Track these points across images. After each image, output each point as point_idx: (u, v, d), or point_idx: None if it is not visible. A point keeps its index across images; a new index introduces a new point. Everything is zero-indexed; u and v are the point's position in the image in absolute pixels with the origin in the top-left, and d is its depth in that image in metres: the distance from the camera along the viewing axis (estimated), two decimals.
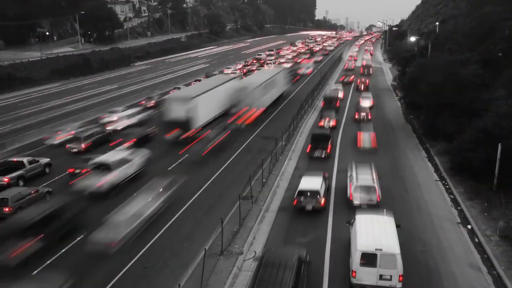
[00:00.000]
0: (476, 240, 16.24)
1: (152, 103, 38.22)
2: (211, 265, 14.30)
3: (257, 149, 26.46)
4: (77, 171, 21.24)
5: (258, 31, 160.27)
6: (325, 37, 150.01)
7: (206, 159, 24.39)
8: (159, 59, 79.46)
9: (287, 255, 12.67)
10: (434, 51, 34.35)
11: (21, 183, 21.19)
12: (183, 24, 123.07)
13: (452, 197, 20.07)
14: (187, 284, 13.40)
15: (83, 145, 25.56)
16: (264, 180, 21.30)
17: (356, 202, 18.04)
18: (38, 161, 22.79)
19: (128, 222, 15.57)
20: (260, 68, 57.71)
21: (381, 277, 12.55)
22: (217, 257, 14.90)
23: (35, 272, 14.18)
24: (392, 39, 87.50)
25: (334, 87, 45.36)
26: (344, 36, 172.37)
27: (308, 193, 17.86)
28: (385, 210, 15.62)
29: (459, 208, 18.93)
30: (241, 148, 27.07)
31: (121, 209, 16.28)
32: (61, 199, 16.98)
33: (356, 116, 33.97)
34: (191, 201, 19.48)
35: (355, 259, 12.70)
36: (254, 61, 70.37)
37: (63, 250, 15.42)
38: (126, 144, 25.54)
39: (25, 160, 22.27)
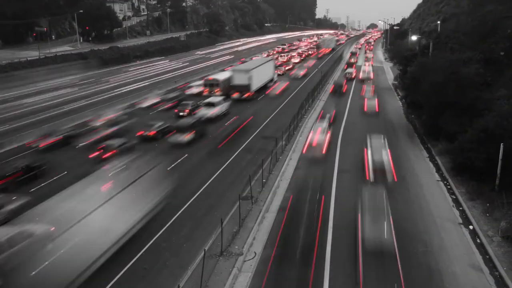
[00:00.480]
0: (478, 240, 16.13)
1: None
2: (210, 266, 14.22)
3: (257, 149, 26.36)
4: (181, 113, 33.65)
5: (258, 30, 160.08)
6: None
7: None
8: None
9: None
10: (435, 50, 34.21)
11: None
12: (183, 23, 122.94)
13: (454, 197, 19.95)
14: (187, 285, 13.31)
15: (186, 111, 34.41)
16: (264, 180, 21.19)
17: None
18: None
19: None
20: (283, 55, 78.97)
21: None
22: (217, 258, 14.81)
23: None
24: (393, 38, 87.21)
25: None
26: (352, 34, 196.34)
27: None
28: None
29: (460, 208, 18.81)
30: (241, 148, 26.97)
31: None
32: (192, 118, 30.27)
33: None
34: (190, 201, 19.38)
35: None
36: (276, 51, 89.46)
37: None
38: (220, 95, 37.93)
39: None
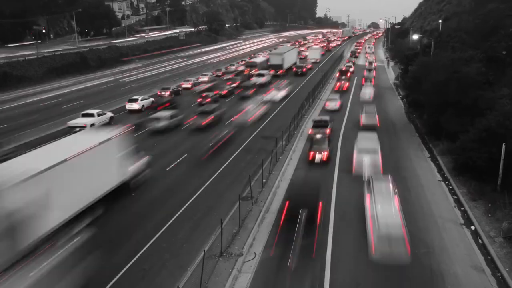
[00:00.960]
0: (480, 241, 16.00)
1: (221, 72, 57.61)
2: (210, 267, 14.12)
3: (257, 149, 26.26)
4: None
5: (258, 28, 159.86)
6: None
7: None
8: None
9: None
10: (437, 49, 34.02)
11: None
12: (182, 21, 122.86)
13: (456, 197, 19.82)
14: (186, 286, 13.22)
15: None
16: (264, 181, 21.08)
17: None
18: None
19: None
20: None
21: None
22: (217, 258, 14.71)
23: None
24: (394, 37, 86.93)
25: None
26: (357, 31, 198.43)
27: None
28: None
29: (462, 209, 18.68)
30: (241, 148, 26.87)
31: None
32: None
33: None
34: (190, 201, 19.30)
35: None
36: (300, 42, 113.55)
37: (60, 251, 15.23)
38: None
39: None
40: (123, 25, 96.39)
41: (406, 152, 26.19)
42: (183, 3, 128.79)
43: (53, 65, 58.75)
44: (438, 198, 19.77)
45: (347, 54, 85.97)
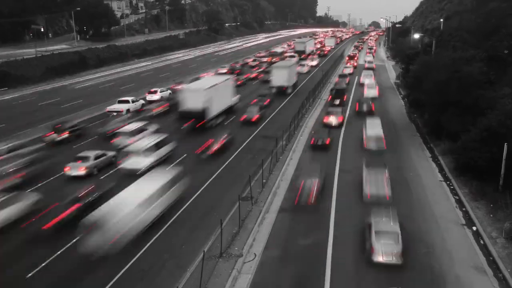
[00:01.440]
0: (482, 242, 15.91)
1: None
2: (210, 268, 14.06)
3: (257, 149, 26.14)
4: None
5: (258, 28, 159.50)
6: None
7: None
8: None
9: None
10: (438, 48, 33.86)
11: None
12: (181, 21, 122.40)
13: (457, 198, 19.70)
14: (186, 287, 13.18)
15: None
16: (264, 181, 20.98)
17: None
18: None
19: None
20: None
21: None
22: (216, 259, 14.64)
23: None
24: (396, 36, 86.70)
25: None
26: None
27: None
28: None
29: (464, 209, 18.56)
30: (241, 147, 26.77)
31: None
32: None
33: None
34: (189, 201, 19.21)
35: None
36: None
37: (58, 253, 15.22)
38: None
39: None
40: (122, 24, 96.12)
41: (407, 152, 26.06)
42: (183, 2, 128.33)
43: (51, 64, 58.56)
44: (439, 199, 19.65)
45: (352, 47, 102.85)
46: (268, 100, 38.14)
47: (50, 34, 78.60)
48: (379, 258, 13.99)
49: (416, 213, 18.10)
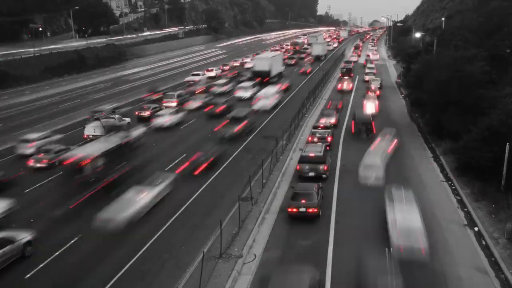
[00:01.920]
0: (483, 242, 15.79)
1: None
2: (209, 269, 13.98)
3: (257, 149, 26.03)
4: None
5: (258, 27, 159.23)
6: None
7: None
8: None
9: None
10: (439, 47, 33.67)
11: None
12: (181, 19, 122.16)
13: (459, 198, 19.57)
14: None
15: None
16: (264, 181, 20.87)
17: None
18: None
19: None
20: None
21: None
22: (216, 260, 14.56)
23: None
24: (397, 35, 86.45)
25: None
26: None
27: None
28: None
29: (465, 209, 18.43)
30: (241, 147, 26.68)
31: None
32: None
33: None
34: (189, 202, 19.15)
35: None
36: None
37: (56, 254, 15.18)
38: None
39: None
40: (121, 23, 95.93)
41: (408, 152, 25.92)
42: (182, 0, 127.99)
43: (50, 63, 58.36)
44: (441, 199, 19.54)
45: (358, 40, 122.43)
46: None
47: (48, 33, 78.46)
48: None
49: None
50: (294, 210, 16.93)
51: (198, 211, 18.34)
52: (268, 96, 36.73)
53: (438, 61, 27.77)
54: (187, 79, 49.00)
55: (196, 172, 21.83)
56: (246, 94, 40.03)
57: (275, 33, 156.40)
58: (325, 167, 20.73)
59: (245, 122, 29.12)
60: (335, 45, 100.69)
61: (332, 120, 29.75)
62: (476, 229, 16.76)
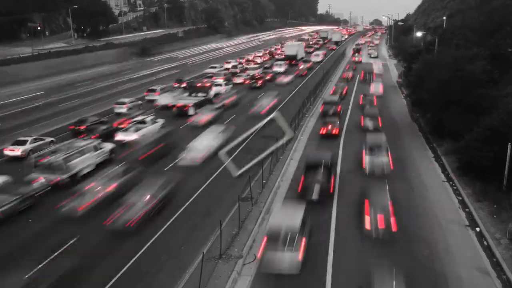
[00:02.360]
0: (485, 243, 15.69)
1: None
2: (209, 269, 13.91)
3: (257, 149, 25.92)
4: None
5: (258, 26, 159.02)
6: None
7: None
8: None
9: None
10: (441, 46, 33.53)
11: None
12: (180, 18, 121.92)
13: (460, 198, 19.46)
14: None
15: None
16: (264, 181, 20.79)
17: None
18: None
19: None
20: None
21: None
22: (216, 261, 14.49)
23: None
24: (398, 34, 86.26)
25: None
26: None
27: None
28: None
29: (467, 210, 18.33)
30: (241, 147, 26.61)
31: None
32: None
33: None
34: (188, 202, 19.08)
35: None
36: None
37: (54, 255, 15.13)
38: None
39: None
40: (120, 22, 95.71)
41: (409, 152, 25.81)
42: None
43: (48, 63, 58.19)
44: (442, 199, 19.43)
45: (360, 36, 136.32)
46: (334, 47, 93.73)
47: (47, 32, 78.27)
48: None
49: (419, 214, 17.87)
50: None
51: (197, 212, 18.26)
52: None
53: (439, 61, 27.63)
54: (205, 70, 57.78)
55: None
56: (281, 69, 55.82)
57: (290, 28, 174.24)
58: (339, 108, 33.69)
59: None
60: (346, 35, 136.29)
61: (350, 75, 52.42)
62: (477, 229, 16.66)
